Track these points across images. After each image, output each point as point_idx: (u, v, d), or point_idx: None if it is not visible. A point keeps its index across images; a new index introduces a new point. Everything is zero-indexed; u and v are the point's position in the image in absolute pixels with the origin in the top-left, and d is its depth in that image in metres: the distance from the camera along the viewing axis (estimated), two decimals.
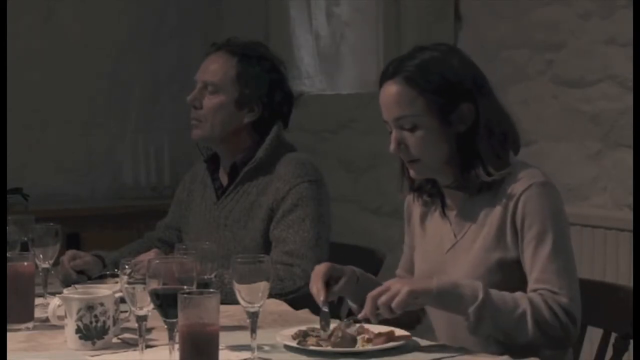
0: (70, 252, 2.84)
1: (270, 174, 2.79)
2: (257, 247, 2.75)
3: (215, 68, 2.83)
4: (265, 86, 2.83)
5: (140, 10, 5.37)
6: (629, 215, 3.61)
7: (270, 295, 2.22)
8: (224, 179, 2.90)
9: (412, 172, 2.32)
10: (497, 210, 2.25)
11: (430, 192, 2.38)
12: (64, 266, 2.80)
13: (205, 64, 2.86)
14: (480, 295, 2.10)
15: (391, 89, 2.26)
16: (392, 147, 2.28)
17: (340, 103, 4.96)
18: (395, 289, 2.09)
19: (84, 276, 2.77)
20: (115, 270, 2.42)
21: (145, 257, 2.58)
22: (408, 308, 2.11)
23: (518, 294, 2.16)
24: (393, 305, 2.07)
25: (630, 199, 3.64)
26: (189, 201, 3.02)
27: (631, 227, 3.47)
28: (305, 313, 2.47)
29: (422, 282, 2.15)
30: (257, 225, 2.77)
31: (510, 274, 2.23)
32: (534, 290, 2.17)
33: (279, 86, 2.86)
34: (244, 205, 2.81)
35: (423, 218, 2.42)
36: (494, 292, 2.13)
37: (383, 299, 2.08)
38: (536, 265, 2.18)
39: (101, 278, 2.64)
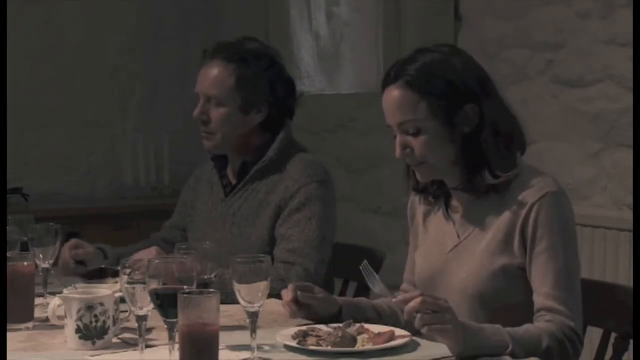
0: (73, 241, 2.85)
1: (280, 174, 2.79)
2: (263, 244, 2.75)
3: (213, 80, 2.80)
4: (267, 85, 2.82)
5: (140, 10, 5.38)
6: (629, 215, 3.61)
7: (271, 295, 2.23)
8: (232, 177, 2.91)
9: (418, 175, 2.31)
10: (506, 216, 2.23)
11: (435, 194, 2.38)
12: (64, 254, 2.80)
13: (203, 76, 2.83)
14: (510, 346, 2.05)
15: (393, 94, 2.25)
16: (397, 152, 2.26)
17: (340, 103, 4.96)
18: (446, 318, 1.98)
19: (83, 267, 2.77)
20: (116, 267, 2.42)
21: (144, 254, 2.59)
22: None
23: (537, 331, 2.12)
24: (425, 328, 1.99)
25: (630, 199, 3.64)
26: (194, 201, 3.02)
27: (631, 227, 3.48)
28: None
29: (458, 337, 1.99)
30: (264, 222, 2.77)
31: (514, 282, 2.23)
32: (547, 308, 2.17)
33: (281, 80, 2.85)
34: (252, 204, 2.81)
35: (426, 217, 2.42)
36: (519, 336, 2.08)
37: (428, 318, 1.97)
38: (548, 279, 2.18)
39: (100, 272, 2.63)
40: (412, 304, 1.99)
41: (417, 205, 2.47)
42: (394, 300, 2.09)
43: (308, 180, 2.75)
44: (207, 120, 2.82)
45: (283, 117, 2.85)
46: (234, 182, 2.89)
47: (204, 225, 2.93)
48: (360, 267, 2.15)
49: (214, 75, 2.80)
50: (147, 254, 2.60)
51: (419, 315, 1.98)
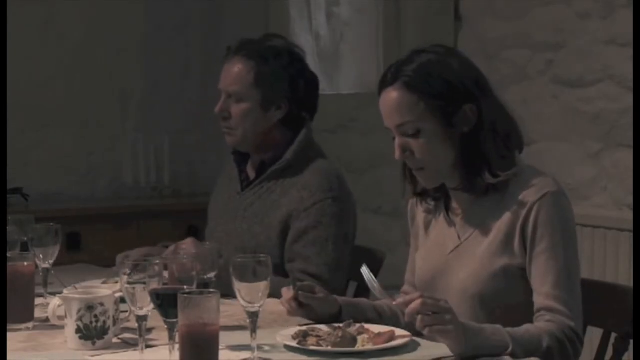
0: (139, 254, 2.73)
1: (296, 177, 2.80)
2: (272, 246, 2.76)
3: (234, 76, 2.83)
4: (286, 81, 2.83)
5: (140, 10, 5.37)
6: (629, 215, 3.61)
7: (271, 295, 2.22)
8: (251, 173, 2.93)
9: (422, 182, 2.31)
10: (506, 216, 2.23)
11: (435, 196, 2.38)
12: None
13: (225, 73, 2.86)
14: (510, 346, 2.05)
15: (391, 96, 2.24)
16: (397, 154, 2.26)
17: (340, 103, 4.96)
18: (446, 319, 1.98)
19: None
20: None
21: (183, 244, 2.59)
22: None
23: (537, 331, 2.12)
24: (426, 329, 1.99)
25: (630, 199, 3.64)
26: (215, 194, 3.06)
27: (631, 227, 3.48)
28: None
29: (459, 338, 1.99)
30: (273, 225, 2.78)
31: (514, 282, 2.23)
32: (547, 308, 2.17)
33: (301, 77, 2.86)
34: (265, 202, 2.83)
35: (427, 224, 2.42)
36: (519, 336, 2.08)
37: (428, 320, 1.98)
38: (548, 279, 2.18)
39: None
40: (412, 306, 1.99)
41: (417, 207, 2.46)
42: (393, 303, 2.09)
43: (323, 195, 2.76)
44: (228, 116, 2.86)
45: (304, 114, 2.87)
46: (252, 177, 2.91)
47: (217, 216, 2.97)
48: (361, 270, 2.15)
49: (234, 72, 2.84)
50: (185, 245, 2.60)
51: (419, 317, 1.98)
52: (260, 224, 2.81)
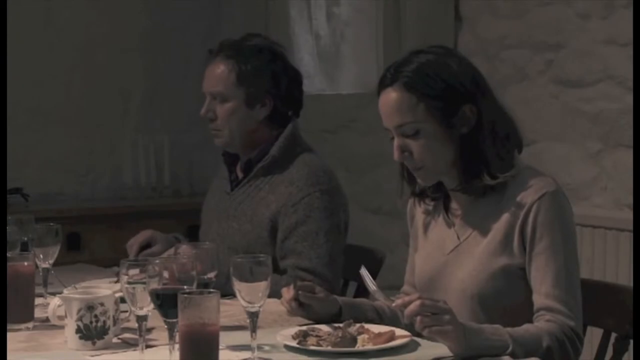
0: (144, 236, 2.89)
1: (282, 173, 2.81)
2: (263, 244, 2.76)
3: (216, 77, 2.85)
4: (268, 78, 2.84)
5: (140, 10, 5.37)
6: (629, 215, 3.61)
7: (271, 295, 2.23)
8: (240, 172, 2.94)
9: (419, 180, 2.31)
10: (505, 216, 2.23)
11: (433, 197, 2.38)
12: (133, 249, 2.86)
13: (207, 75, 2.88)
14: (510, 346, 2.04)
15: (390, 96, 2.24)
16: (395, 155, 2.26)
17: (340, 103, 4.96)
18: (445, 319, 1.97)
19: None
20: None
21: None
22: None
23: (537, 331, 2.12)
24: (425, 330, 1.98)
25: (630, 199, 3.64)
26: (208, 197, 3.07)
27: (631, 227, 3.47)
28: None
29: (458, 338, 1.99)
30: (263, 222, 2.79)
31: (514, 282, 2.23)
32: (547, 308, 2.17)
33: (283, 73, 2.88)
34: (253, 200, 2.84)
35: (426, 224, 2.42)
36: (519, 335, 2.08)
37: (428, 320, 1.97)
38: (547, 279, 2.18)
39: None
40: (411, 307, 1.99)
41: (415, 208, 2.46)
42: (392, 305, 2.09)
43: (311, 189, 2.76)
44: (214, 118, 2.88)
45: (289, 111, 2.88)
46: (240, 177, 2.92)
47: (210, 217, 2.98)
48: (359, 272, 2.15)
49: (216, 73, 2.85)
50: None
51: (418, 318, 1.98)
52: (250, 222, 2.81)
